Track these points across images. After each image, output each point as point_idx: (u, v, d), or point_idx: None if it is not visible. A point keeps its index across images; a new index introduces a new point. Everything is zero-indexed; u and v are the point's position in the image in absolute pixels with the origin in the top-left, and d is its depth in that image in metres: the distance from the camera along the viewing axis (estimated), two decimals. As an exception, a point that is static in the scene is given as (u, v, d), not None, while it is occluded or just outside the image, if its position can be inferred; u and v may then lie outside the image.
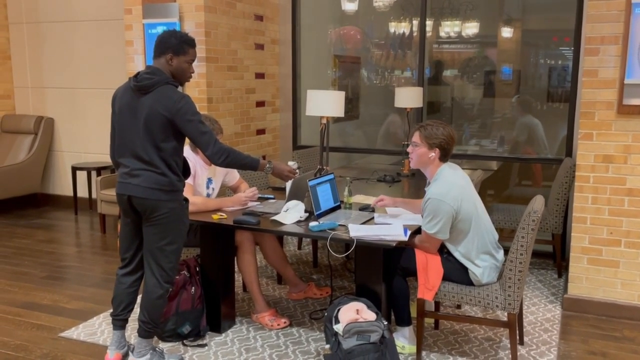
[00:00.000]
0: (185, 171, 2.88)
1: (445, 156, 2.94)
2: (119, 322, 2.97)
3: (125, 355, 2.99)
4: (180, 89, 2.81)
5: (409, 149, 2.99)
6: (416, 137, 2.94)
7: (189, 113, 2.68)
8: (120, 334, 2.98)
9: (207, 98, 4.65)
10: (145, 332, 2.87)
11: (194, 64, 2.93)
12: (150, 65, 2.77)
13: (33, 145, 6.30)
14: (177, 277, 3.24)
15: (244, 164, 2.91)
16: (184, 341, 3.22)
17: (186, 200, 2.88)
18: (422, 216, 2.95)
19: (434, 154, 2.91)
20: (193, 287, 3.24)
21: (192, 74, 2.87)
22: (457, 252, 2.92)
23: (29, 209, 6.45)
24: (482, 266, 2.89)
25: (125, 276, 2.95)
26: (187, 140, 2.80)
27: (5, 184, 6.03)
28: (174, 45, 2.73)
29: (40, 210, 6.43)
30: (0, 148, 6.39)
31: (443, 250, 3.00)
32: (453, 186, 2.87)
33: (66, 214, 6.24)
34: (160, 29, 4.63)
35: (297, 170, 3.19)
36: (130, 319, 3.03)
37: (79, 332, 3.38)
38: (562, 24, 4.98)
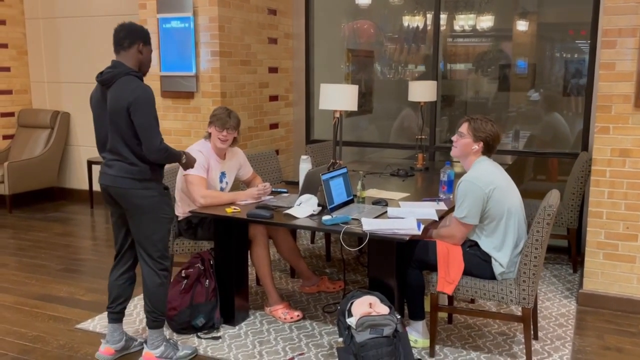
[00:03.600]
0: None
1: (488, 151, 2.97)
2: (112, 315, 2.99)
3: (120, 350, 3.01)
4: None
5: (454, 138, 3.01)
6: (464, 128, 2.97)
7: (143, 104, 2.67)
8: (113, 327, 3.00)
9: (220, 92, 4.67)
10: (152, 322, 2.91)
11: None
12: (113, 60, 2.80)
13: (49, 140, 6.37)
14: (191, 270, 3.27)
15: (174, 158, 2.85)
16: (198, 333, 3.25)
17: (166, 188, 2.90)
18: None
19: (478, 147, 2.95)
20: (207, 280, 3.26)
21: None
22: (488, 243, 2.89)
23: (46, 202, 6.53)
24: (511, 260, 2.87)
25: (114, 268, 3.01)
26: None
27: (23, 177, 6.10)
28: (144, 35, 2.78)
29: (57, 203, 6.51)
30: (18, 142, 6.47)
31: (465, 244, 2.99)
32: (487, 173, 2.90)
33: (82, 208, 6.31)
34: (174, 24, 4.65)
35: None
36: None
37: (94, 324, 3.42)
38: (579, 16, 4.92)
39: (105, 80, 2.73)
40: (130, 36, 2.76)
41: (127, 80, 2.70)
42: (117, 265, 3.00)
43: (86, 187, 6.39)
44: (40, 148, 6.36)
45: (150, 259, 2.84)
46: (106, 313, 3.03)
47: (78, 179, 6.61)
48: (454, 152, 3.03)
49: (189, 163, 2.99)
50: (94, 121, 2.85)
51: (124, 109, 2.67)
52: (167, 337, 3.02)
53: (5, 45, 6.38)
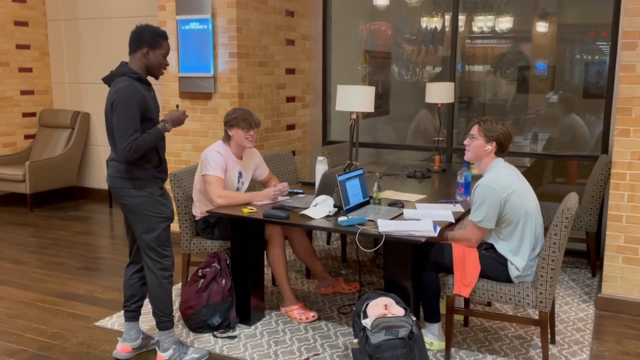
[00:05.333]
0: (160, 161, 2.87)
1: (501, 151, 2.95)
2: (127, 314, 3.03)
3: (137, 348, 3.04)
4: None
5: (466, 141, 3.00)
6: (474, 130, 2.96)
7: (121, 104, 2.67)
8: (129, 325, 3.04)
9: (238, 93, 4.70)
10: (158, 324, 2.94)
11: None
12: (122, 61, 2.83)
13: (70, 140, 6.46)
14: (208, 269, 3.30)
15: (151, 140, 2.75)
16: (214, 332, 3.27)
17: (162, 188, 2.90)
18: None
19: (491, 147, 2.92)
20: (224, 280, 3.29)
21: (167, 66, 2.89)
22: (505, 246, 2.87)
23: (66, 201, 6.62)
24: (528, 264, 2.85)
25: (127, 267, 3.06)
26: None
27: (44, 177, 6.20)
28: (149, 39, 2.77)
29: (77, 202, 6.59)
30: (39, 142, 6.58)
31: (481, 247, 2.97)
32: (504, 176, 2.87)
33: (101, 207, 6.39)
34: (193, 25, 4.69)
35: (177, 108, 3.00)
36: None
37: (113, 322, 3.46)
38: (599, 18, 4.86)
39: (105, 80, 2.82)
40: (136, 41, 2.79)
41: (119, 81, 2.74)
42: (130, 264, 3.04)
43: (105, 186, 6.42)
44: (61, 148, 6.45)
45: (148, 258, 2.87)
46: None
47: (98, 179, 6.69)
48: (467, 156, 3.01)
49: (176, 121, 2.89)
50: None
51: (109, 108, 2.73)
52: (178, 339, 3.00)
53: (27, 47, 6.49)
